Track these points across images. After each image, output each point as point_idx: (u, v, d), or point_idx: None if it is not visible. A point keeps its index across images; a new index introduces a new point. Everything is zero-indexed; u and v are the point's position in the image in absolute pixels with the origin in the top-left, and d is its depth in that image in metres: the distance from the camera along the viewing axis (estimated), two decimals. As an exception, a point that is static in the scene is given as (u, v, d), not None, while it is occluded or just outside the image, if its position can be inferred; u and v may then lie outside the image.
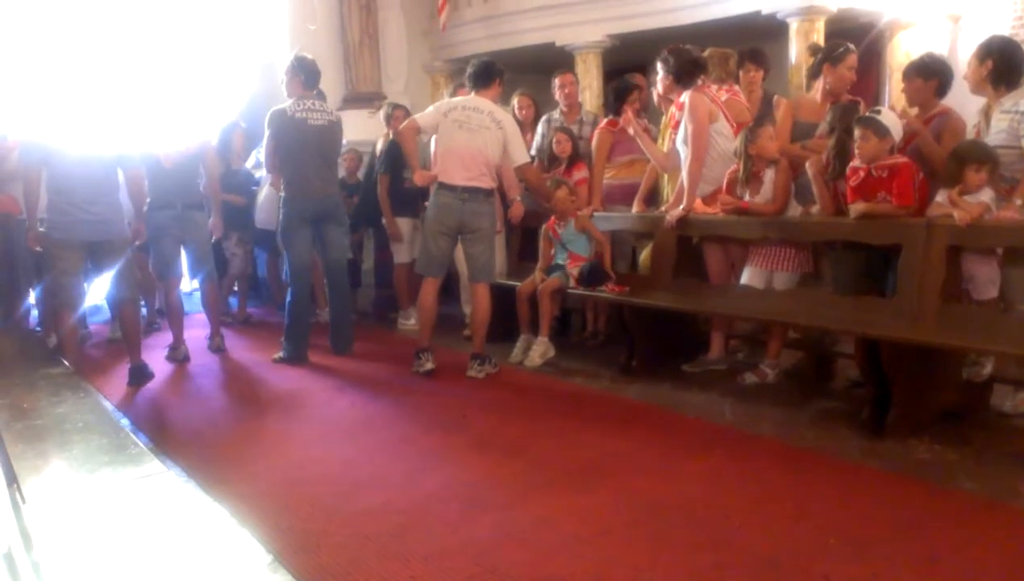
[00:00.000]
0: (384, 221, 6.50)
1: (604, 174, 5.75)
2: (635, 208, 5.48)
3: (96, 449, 3.80)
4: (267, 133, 5.59)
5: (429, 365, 5.05)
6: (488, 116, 4.99)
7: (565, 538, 2.79)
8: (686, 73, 4.78)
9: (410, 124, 5.05)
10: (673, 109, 4.96)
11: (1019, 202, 3.70)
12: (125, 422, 4.32)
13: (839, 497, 3.07)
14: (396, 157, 6.37)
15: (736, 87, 5.21)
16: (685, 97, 4.74)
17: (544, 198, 5.48)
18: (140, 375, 5.11)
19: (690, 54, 4.83)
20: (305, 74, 5.55)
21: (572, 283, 5.25)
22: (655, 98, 5.31)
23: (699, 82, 4.80)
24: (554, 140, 5.87)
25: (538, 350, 5.22)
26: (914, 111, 4.49)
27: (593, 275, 5.15)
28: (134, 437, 4.02)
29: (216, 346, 6.04)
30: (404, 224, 6.46)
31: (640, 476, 3.36)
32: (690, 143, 4.68)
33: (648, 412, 4.29)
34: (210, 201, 5.91)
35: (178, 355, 5.78)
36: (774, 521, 2.88)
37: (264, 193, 6.88)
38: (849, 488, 3.17)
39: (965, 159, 3.75)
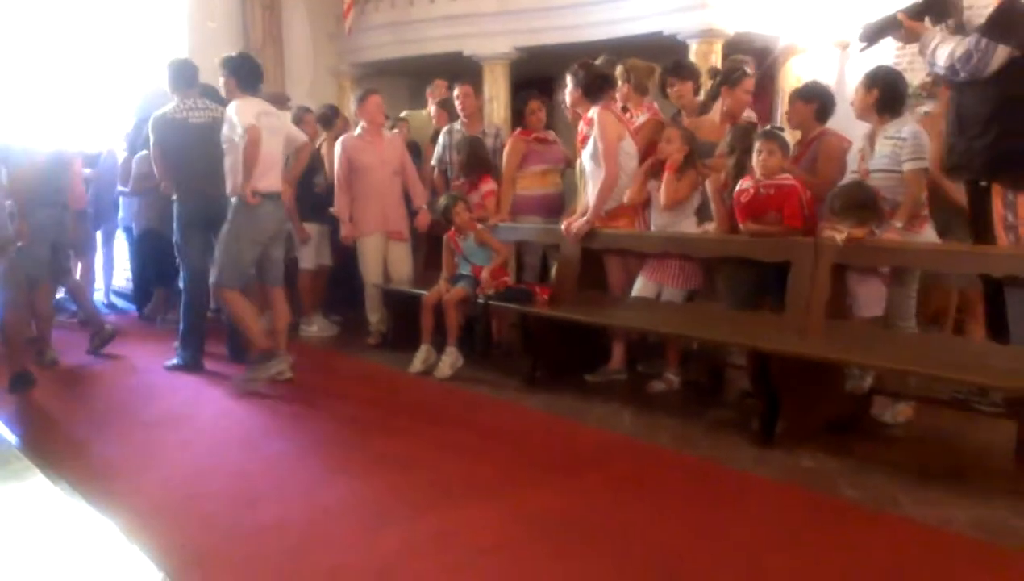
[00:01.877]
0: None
1: (517, 184, 5.76)
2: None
3: (-26, 464, 3.61)
4: (152, 140, 5.41)
5: (289, 373, 4.99)
6: (276, 118, 5.06)
7: (468, 552, 2.81)
8: (595, 88, 4.87)
9: (256, 133, 4.74)
10: (581, 124, 5.04)
11: (899, 224, 3.93)
12: (7, 433, 4.12)
13: (732, 506, 3.19)
14: (308, 162, 6.28)
15: (655, 105, 5.31)
16: (593, 113, 4.83)
17: (290, 183, 5.45)
18: (22, 382, 4.88)
19: (599, 69, 4.92)
20: (174, 74, 5.40)
21: (479, 294, 5.23)
22: (567, 113, 5.37)
23: (608, 98, 4.90)
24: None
25: (447, 360, 5.20)
26: (797, 133, 4.72)
27: (518, 296, 5.17)
28: (16, 451, 3.84)
29: (95, 346, 5.86)
30: (311, 229, 6.37)
31: (542, 488, 3.40)
32: (602, 162, 4.77)
33: (551, 423, 4.34)
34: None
35: (44, 360, 5.57)
36: (671, 532, 2.97)
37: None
38: (741, 497, 3.29)
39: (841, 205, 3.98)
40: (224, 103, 5.21)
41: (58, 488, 3.39)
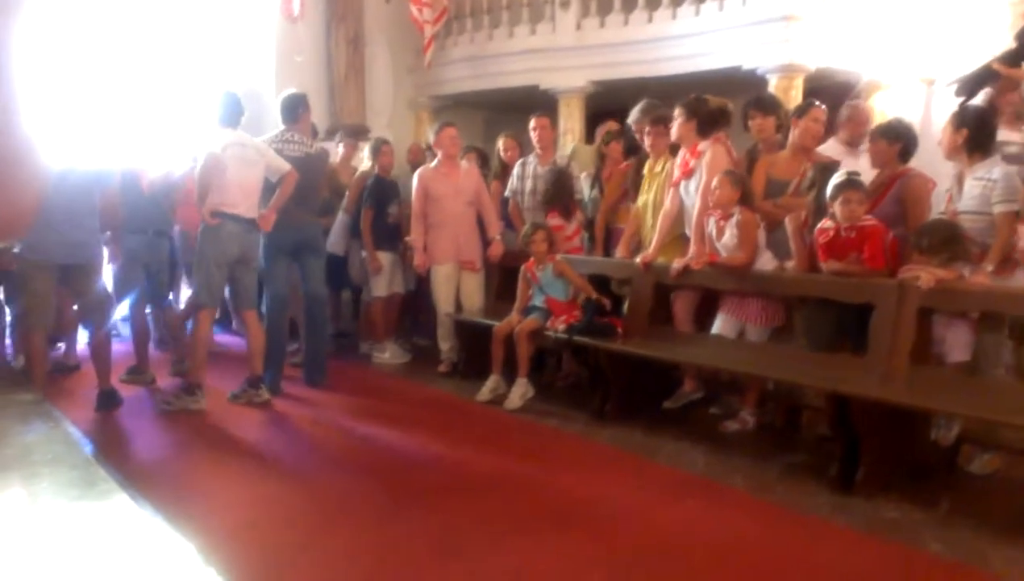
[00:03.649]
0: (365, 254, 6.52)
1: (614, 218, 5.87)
2: (619, 253, 5.52)
3: (66, 483, 3.73)
4: None
5: (202, 403, 5.13)
6: (254, 150, 5.24)
7: (537, 588, 2.79)
8: (711, 122, 4.85)
9: (211, 159, 5.05)
10: (685, 155, 4.97)
11: (989, 268, 3.80)
12: (93, 452, 4.26)
13: (808, 554, 3.10)
14: (380, 192, 6.44)
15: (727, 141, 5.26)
16: (704, 146, 4.80)
17: (274, 210, 5.34)
18: (109, 401, 5.06)
19: (717, 103, 4.89)
20: (282, 108, 5.68)
21: (555, 329, 5.20)
22: (647, 143, 5.34)
23: (719, 133, 4.87)
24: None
25: (518, 391, 5.21)
26: (876, 172, 4.58)
27: (602, 330, 5.06)
28: (103, 471, 3.97)
29: (178, 371, 6.01)
30: (384, 258, 6.49)
31: (614, 522, 3.36)
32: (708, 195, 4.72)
33: (622, 458, 4.30)
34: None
35: (145, 379, 5.79)
36: (744, 578, 2.90)
37: (338, 219, 6.85)
38: (818, 545, 3.20)
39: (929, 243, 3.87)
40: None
41: (141, 510, 3.49)
